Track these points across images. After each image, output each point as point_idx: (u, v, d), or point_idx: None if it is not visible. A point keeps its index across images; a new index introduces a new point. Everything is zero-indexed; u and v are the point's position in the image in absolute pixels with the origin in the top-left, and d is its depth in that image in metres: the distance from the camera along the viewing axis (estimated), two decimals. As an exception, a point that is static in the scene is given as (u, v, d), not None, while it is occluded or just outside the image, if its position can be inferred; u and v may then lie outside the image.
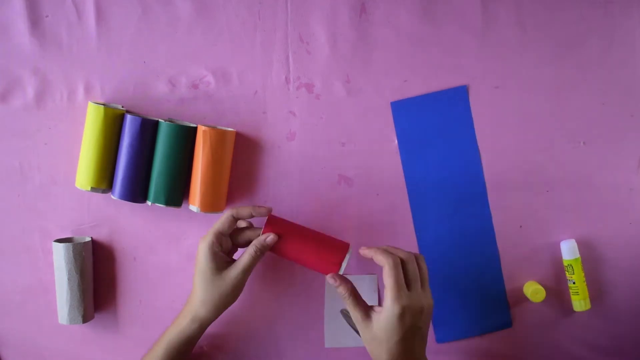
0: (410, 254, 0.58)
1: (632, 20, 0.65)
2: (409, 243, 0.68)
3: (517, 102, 0.66)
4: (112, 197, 0.65)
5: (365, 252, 0.59)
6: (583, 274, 0.65)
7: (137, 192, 0.64)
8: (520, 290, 0.68)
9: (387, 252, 0.57)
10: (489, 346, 0.69)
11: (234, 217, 0.60)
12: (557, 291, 0.68)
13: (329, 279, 0.58)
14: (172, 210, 0.68)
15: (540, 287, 0.65)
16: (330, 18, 0.66)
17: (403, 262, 0.57)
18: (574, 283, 0.65)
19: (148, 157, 0.64)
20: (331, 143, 0.67)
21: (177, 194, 0.65)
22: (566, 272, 0.66)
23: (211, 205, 0.64)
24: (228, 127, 0.67)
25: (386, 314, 0.55)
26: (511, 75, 0.66)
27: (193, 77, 0.67)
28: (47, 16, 0.67)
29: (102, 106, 0.63)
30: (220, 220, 0.60)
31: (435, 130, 0.66)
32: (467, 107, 0.66)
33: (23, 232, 0.69)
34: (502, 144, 0.67)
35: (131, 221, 0.69)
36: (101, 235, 0.69)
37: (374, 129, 0.67)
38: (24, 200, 0.69)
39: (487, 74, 0.66)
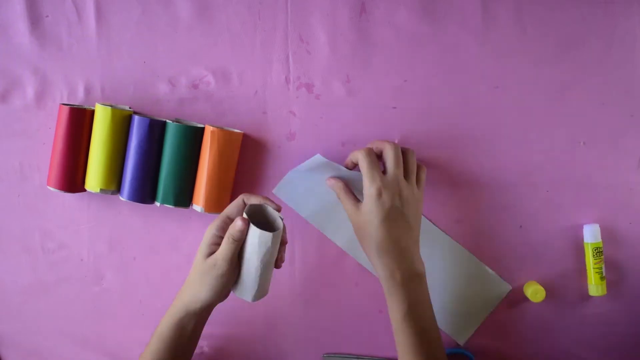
0: (393, 145, 0.60)
1: (632, 20, 0.65)
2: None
3: (517, 102, 0.66)
4: (121, 198, 0.65)
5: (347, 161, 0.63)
6: (592, 260, 0.65)
7: (145, 193, 0.65)
8: (520, 290, 0.68)
9: (363, 149, 0.60)
10: (489, 346, 0.69)
11: (244, 202, 0.59)
12: (557, 291, 0.68)
13: (327, 180, 0.63)
14: (172, 210, 0.68)
15: (540, 287, 0.65)
16: (330, 18, 0.66)
17: (383, 151, 0.60)
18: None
19: (156, 157, 0.64)
20: (331, 143, 0.67)
21: (185, 195, 0.65)
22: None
23: (215, 205, 0.65)
24: (232, 128, 0.67)
25: (365, 198, 0.58)
26: (511, 75, 0.66)
27: (193, 77, 0.67)
28: (47, 16, 0.67)
29: (110, 107, 0.63)
30: (230, 205, 0.59)
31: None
32: None
33: (23, 232, 0.69)
34: (502, 143, 0.67)
35: (131, 221, 0.69)
36: (101, 235, 0.69)
37: (374, 129, 0.67)
38: (24, 200, 0.69)
39: (487, 74, 0.66)
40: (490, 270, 0.67)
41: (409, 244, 0.58)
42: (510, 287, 0.68)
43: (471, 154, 0.67)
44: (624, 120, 0.66)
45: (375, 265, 0.58)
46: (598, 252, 0.65)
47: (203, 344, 0.70)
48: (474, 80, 0.66)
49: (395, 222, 0.57)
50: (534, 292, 0.65)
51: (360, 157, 0.59)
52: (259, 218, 0.58)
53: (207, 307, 0.58)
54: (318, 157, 0.61)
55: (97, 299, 0.70)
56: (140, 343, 0.70)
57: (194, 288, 0.58)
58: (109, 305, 0.70)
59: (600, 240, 0.65)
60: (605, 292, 0.66)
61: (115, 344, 0.71)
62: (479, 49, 0.66)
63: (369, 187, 0.58)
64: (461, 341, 0.69)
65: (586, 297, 0.68)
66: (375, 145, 0.62)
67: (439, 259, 0.67)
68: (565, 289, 0.68)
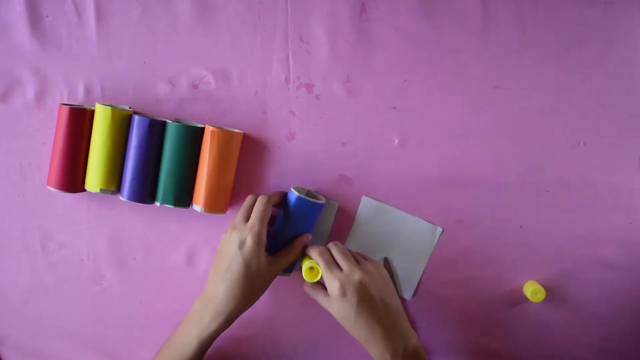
0: (331, 244, 0.62)
1: (632, 20, 0.65)
2: (409, 243, 0.68)
3: (517, 102, 0.66)
4: (121, 198, 0.65)
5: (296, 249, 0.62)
6: None
7: (145, 193, 0.64)
8: (520, 290, 0.68)
9: (312, 246, 0.62)
10: (489, 346, 0.69)
11: (272, 205, 0.61)
12: (558, 291, 0.68)
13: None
14: (172, 210, 0.68)
15: (540, 287, 0.65)
16: (330, 18, 0.66)
17: (330, 247, 0.61)
18: None
19: (156, 157, 0.64)
20: (331, 143, 0.67)
21: (185, 195, 0.65)
22: None
23: (215, 205, 0.64)
24: (232, 128, 0.67)
25: (333, 299, 0.57)
26: (511, 75, 0.66)
27: (193, 77, 0.67)
28: (47, 16, 0.67)
29: (110, 107, 0.63)
30: (263, 209, 0.60)
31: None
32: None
33: (23, 232, 0.69)
34: (502, 144, 0.67)
35: (131, 221, 0.69)
36: (101, 235, 0.69)
37: (374, 129, 0.67)
38: (24, 200, 0.69)
39: (487, 74, 0.66)
40: (417, 218, 0.67)
41: (392, 320, 0.58)
42: (442, 229, 0.67)
43: (471, 154, 0.67)
44: (624, 120, 0.66)
45: (372, 354, 0.58)
46: None
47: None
48: (474, 80, 0.66)
49: (370, 309, 0.57)
50: (534, 292, 0.65)
51: (314, 256, 0.60)
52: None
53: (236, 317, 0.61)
54: (366, 200, 0.66)
55: (97, 299, 0.70)
56: (141, 343, 0.70)
57: (241, 297, 0.58)
58: (109, 305, 0.70)
59: None
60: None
61: (115, 344, 0.71)
62: (479, 49, 0.66)
63: (330, 287, 0.57)
64: (407, 296, 0.68)
65: (586, 296, 0.68)
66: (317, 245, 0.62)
67: (366, 224, 0.68)
68: (565, 289, 0.68)
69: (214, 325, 0.59)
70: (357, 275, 0.57)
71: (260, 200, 0.61)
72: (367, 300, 0.56)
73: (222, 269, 0.59)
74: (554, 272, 0.68)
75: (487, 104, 0.66)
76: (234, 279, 0.58)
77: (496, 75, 0.66)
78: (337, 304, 0.57)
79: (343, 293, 0.56)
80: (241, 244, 0.58)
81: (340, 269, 0.58)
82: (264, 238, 0.59)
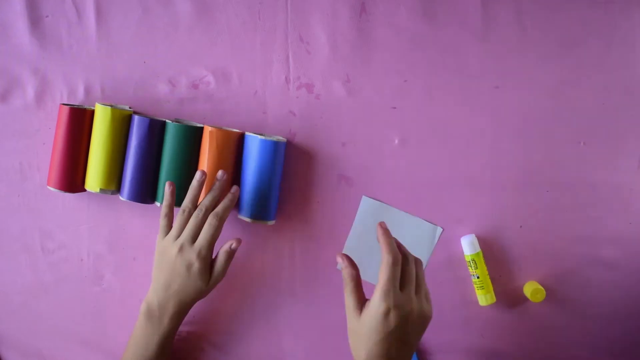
0: (412, 255, 0.56)
1: (632, 20, 0.65)
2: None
3: (517, 102, 0.66)
4: (121, 198, 0.65)
5: (379, 231, 0.55)
6: (486, 268, 0.66)
7: (145, 193, 0.64)
8: (520, 290, 0.68)
9: (391, 245, 0.54)
10: (489, 346, 0.69)
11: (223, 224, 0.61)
12: (558, 291, 0.68)
13: (338, 256, 0.57)
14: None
15: (540, 287, 0.65)
16: (330, 18, 0.66)
17: (403, 261, 0.54)
18: (477, 277, 0.66)
19: (156, 157, 0.64)
20: (331, 143, 0.67)
21: (184, 195, 0.65)
22: (469, 268, 0.66)
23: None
24: (231, 128, 0.67)
25: (371, 311, 0.52)
26: (511, 75, 0.66)
27: (193, 77, 0.67)
28: (47, 16, 0.67)
29: (110, 107, 0.63)
30: (212, 233, 0.59)
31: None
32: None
33: (23, 232, 0.69)
34: (502, 144, 0.67)
35: (131, 221, 0.69)
36: (101, 235, 0.69)
37: (374, 129, 0.67)
38: (24, 200, 0.69)
39: (487, 74, 0.66)
40: (417, 218, 0.67)
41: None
42: (442, 229, 0.67)
43: (471, 154, 0.67)
44: (624, 120, 0.66)
45: None
46: (473, 262, 0.66)
47: (204, 344, 0.70)
48: (474, 80, 0.66)
49: (396, 341, 0.52)
50: (534, 292, 0.65)
51: (385, 264, 0.53)
52: None
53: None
54: (366, 200, 0.64)
55: (97, 299, 0.70)
56: (140, 343, 0.70)
57: (182, 296, 0.61)
58: (109, 305, 0.70)
59: (478, 250, 0.66)
60: (494, 300, 0.66)
61: (115, 344, 0.71)
62: (479, 49, 0.66)
63: (379, 302, 0.51)
64: None
65: (586, 296, 0.68)
66: (396, 251, 0.54)
67: (366, 224, 0.68)
68: (565, 289, 0.68)
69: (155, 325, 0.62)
70: (411, 305, 0.52)
71: (211, 223, 0.59)
72: (399, 334, 0.52)
73: (165, 281, 0.61)
74: (554, 272, 0.68)
75: (487, 104, 0.66)
76: (175, 294, 0.61)
77: (496, 75, 0.66)
78: (372, 321, 0.52)
79: (387, 314, 0.51)
80: (189, 267, 0.59)
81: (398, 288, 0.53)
82: (210, 258, 0.61)
